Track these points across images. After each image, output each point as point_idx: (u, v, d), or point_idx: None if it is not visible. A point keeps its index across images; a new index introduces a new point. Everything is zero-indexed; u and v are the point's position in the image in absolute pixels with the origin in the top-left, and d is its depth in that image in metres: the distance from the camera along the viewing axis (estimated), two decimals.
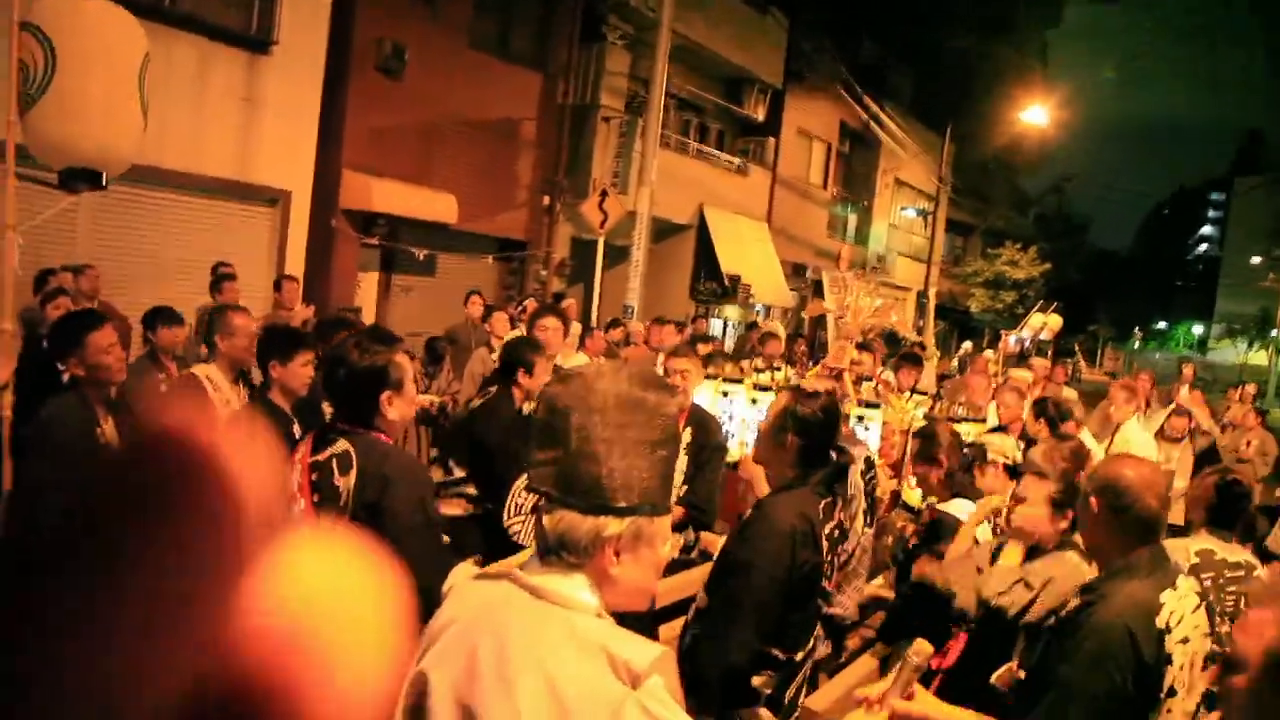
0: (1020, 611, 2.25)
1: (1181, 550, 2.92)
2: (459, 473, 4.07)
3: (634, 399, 1.22)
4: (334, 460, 2.18)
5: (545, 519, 1.20)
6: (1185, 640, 1.93)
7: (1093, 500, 2.07)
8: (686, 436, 3.50)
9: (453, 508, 3.73)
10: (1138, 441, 5.77)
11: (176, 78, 7.48)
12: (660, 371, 4.54)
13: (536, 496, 1.25)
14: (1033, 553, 2.47)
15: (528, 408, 3.72)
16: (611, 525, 1.17)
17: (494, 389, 3.86)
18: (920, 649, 2.02)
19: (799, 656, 2.39)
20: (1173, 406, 7.22)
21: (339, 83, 9.18)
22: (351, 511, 2.16)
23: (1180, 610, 1.95)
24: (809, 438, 2.43)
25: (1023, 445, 4.19)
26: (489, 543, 3.34)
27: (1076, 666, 1.94)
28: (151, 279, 7.48)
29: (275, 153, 8.63)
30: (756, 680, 2.29)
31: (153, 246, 7.93)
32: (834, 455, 2.56)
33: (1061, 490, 2.42)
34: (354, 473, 2.16)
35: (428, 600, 1.20)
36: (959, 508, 3.22)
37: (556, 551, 1.19)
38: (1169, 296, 56.41)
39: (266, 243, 8.91)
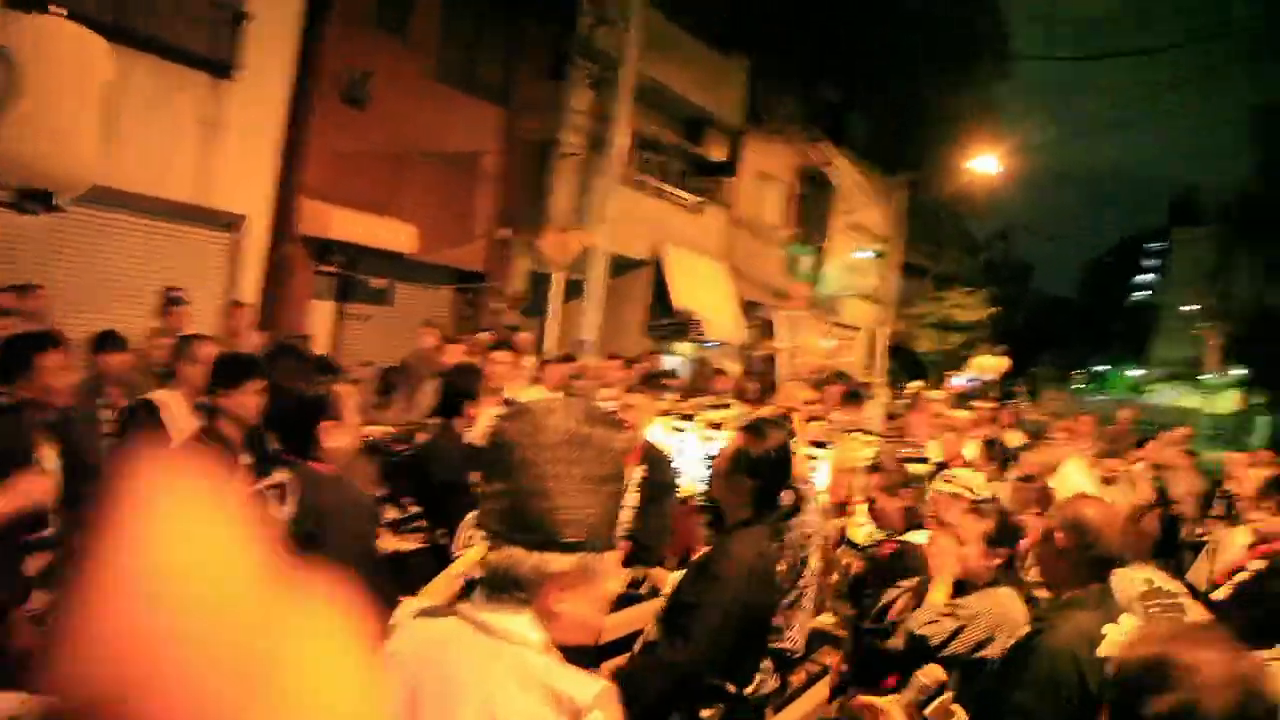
0: (943, 642, 2.32)
1: (1129, 579, 3.07)
2: (414, 509, 4.05)
3: (582, 435, 1.22)
4: (271, 490, 2.17)
5: (492, 555, 1.21)
6: None
7: (1059, 535, 2.19)
8: (638, 474, 3.53)
9: (409, 542, 3.71)
10: (1076, 482, 5.94)
11: (136, 100, 7.38)
12: (611, 406, 4.58)
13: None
14: (965, 588, 2.55)
15: (469, 435, 3.73)
16: (558, 561, 1.18)
17: (436, 421, 3.86)
18: (930, 672, 2.08)
19: (749, 690, 2.42)
20: (1101, 447, 7.50)
21: (302, 109, 9.12)
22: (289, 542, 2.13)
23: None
24: (762, 479, 2.48)
25: None
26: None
27: (1028, 690, 2.02)
28: (100, 301, 7.31)
29: (233, 177, 8.51)
30: (705, 713, 2.32)
31: (102, 268, 7.74)
32: (791, 492, 2.61)
33: (995, 528, 2.52)
34: (291, 503, 2.15)
35: None
36: (921, 538, 3.30)
37: (503, 587, 1.20)
38: (1108, 341, 58.13)
39: (220, 267, 8.76)
